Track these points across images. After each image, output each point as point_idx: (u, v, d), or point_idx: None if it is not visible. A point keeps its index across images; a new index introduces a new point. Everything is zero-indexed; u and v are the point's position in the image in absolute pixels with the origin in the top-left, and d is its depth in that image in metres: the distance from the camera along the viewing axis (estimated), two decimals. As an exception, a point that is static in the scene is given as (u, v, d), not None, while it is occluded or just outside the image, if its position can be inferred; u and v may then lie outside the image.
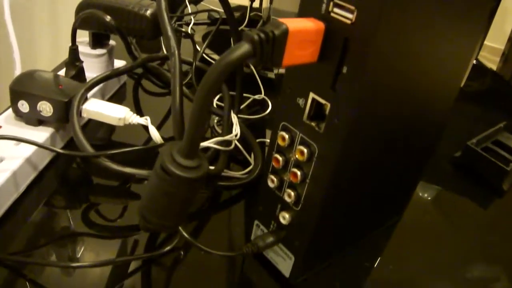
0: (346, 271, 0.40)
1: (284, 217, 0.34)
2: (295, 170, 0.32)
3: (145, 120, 0.44)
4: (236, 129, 0.47)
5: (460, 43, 0.34)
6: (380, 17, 0.25)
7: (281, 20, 0.25)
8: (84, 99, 0.45)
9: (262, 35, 0.24)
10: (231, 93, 0.53)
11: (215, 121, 0.54)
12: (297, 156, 0.32)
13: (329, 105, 0.29)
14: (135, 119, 0.44)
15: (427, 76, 0.33)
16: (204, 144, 0.44)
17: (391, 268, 0.41)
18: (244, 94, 0.59)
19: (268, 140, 0.53)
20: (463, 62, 0.36)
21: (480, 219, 0.49)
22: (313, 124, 0.30)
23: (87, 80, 0.49)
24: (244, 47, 0.24)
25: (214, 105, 0.55)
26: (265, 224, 0.37)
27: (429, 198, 0.50)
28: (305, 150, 0.31)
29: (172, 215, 0.28)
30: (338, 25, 0.27)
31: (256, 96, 0.60)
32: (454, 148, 0.58)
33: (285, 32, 0.25)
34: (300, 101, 0.31)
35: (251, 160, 0.49)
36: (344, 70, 0.27)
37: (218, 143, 0.45)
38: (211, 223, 0.43)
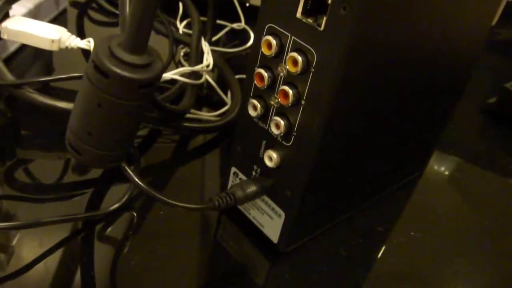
0: (354, 237, 0.36)
1: (271, 157, 0.30)
2: (285, 88, 0.28)
3: (87, 43, 0.39)
4: (208, 59, 0.43)
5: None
6: None
7: None
8: (5, 15, 0.40)
9: None
10: (202, 18, 0.48)
11: (181, 54, 0.50)
12: (288, 67, 0.27)
13: (332, -11, 0.25)
14: (74, 41, 0.40)
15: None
16: (167, 75, 0.39)
17: (412, 235, 0.37)
18: (220, 22, 0.55)
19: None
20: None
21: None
22: (310, 20, 0.26)
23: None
24: None
25: (180, 32, 0.51)
26: (245, 171, 0.33)
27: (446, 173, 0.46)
28: (300, 58, 0.27)
29: (110, 140, 0.24)
30: None
31: (235, 25, 0.55)
32: (487, 93, 0.54)
33: None
34: (292, -9, 0.26)
35: (228, 100, 0.44)
36: None
37: (184, 75, 0.40)
38: (175, 176, 0.39)
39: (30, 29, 0.40)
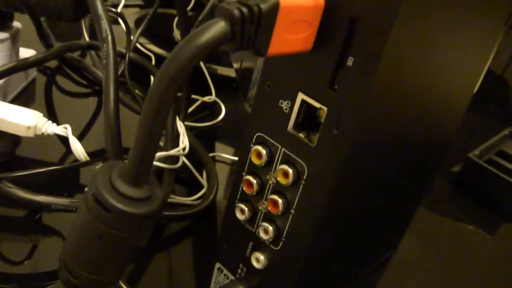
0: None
1: (258, 260, 0.30)
2: (274, 197, 0.28)
3: (64, 130, 0.39)
4: (184, 141, 0.43)
5: (477, 46, 0.31)
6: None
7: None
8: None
9: (245, 10, 0.20)
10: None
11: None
12: (279, 179, 0.28)
13: (325, 109, 0.25)
14: (50, 127, 0.39)
15: (442, 80, 0.30)
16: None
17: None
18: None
19: (222, 154, 0.49)
20: (479, 66, 0.33)
21: (485, 249, 0.47)
22: (301, 135, 0.26)
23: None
24: (219, 26, 0.20)
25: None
26: (230, 268, 0.33)
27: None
28: (290, 171, 0.27)
29: (109, 266, 0.24)
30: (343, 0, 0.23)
31: (206, 98, 0.55)
32: (451, 161, 0.55)
33: (275, 7, 0.21)
34: (284, 104, 0.27)
35: (203, 181, 0.44)
36: (349, 62, 0.24)
37: (161, 159, 0.40)
38: (152, 268, 0.38)
39: (3, 114, 0.39)
